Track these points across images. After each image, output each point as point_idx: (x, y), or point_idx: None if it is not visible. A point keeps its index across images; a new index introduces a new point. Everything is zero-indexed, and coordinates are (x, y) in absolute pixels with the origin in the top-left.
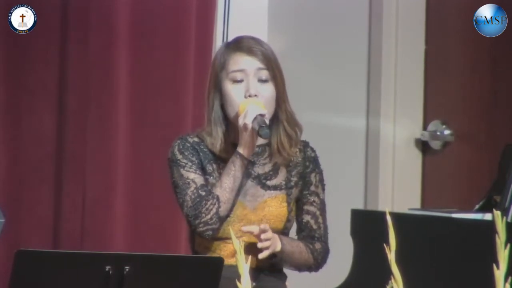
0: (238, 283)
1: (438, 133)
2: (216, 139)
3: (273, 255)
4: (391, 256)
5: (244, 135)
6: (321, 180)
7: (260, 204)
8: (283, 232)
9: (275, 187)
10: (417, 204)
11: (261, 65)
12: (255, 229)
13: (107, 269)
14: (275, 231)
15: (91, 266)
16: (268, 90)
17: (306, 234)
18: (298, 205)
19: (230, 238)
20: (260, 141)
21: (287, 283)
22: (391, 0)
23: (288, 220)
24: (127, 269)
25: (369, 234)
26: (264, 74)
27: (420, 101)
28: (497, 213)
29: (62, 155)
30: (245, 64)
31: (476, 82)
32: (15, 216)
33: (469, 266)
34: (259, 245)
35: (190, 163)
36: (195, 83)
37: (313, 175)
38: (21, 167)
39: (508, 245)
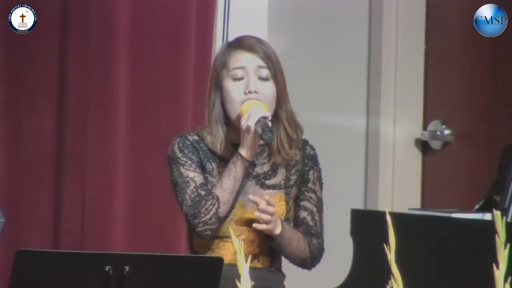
0: (238, 283)
1: (438, 133)
2: (216, 138)
3: (271, 238)
4: (391, 256)
5: (247, 137)
6: (319, 178)
7: None
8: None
9: (274, 186)
10: (417, 204)
11: (262, 63)
12: (261, 201)
13: (107, 269)
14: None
15: (91, 266)
16: (269, 89)
17: (303, 230)
18: (295, 201)
19: (228, 237)
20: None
21: (285, 282)
22: (391, 0)
23: (287, 219)
24: (127, 269)
25: (369, 234)
26: (265, 72)
27: (420, 101)
28: (497, 213)
29: (62, 155)
30: (246, 61)
31: (476, 82)
32: (15, 216)
33: (469, 266)
34: (256, 213)
35: (189, 162)
36: (195, 83)
37: (311, 172)
38: (21, 167)
39: (508, 245)
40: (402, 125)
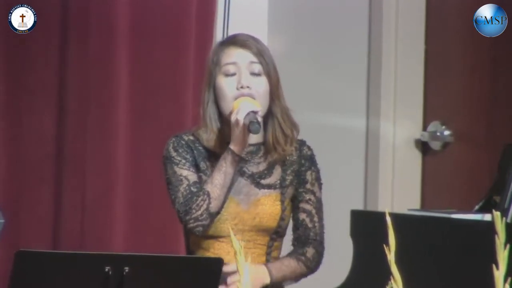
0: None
1: (438, 134)
2: (211, 136)
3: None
4: (391, 256)
5: (236, 131)
6: (318, 178)
7: (253, 202)
8: (276, 231)
9: (269, 186)
10: (417, 205)
11: (254, 59)
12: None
13: (106, 270)
14: (268, 229)
15: (90, 267)
16: (261, 84)
17: (301, 232)
18: (293, 203)
19: (223, 237)
20: (255, 139)
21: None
22: (391, 0)
23: (282, 219)
24: (126, 270)
25: (369, 235)
26: (257, 67)
27: (420, 102)
28: (497, 213)
29: (62, 155)
30: (238, 57)
31: (476, 82)
32: (15, 216)
33: (469, 267)
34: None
35: (184, 161)
36: (195, 83)
37: (308, 173)
38: (21, 167)
39: (508, 246)
40: (402, 125)
